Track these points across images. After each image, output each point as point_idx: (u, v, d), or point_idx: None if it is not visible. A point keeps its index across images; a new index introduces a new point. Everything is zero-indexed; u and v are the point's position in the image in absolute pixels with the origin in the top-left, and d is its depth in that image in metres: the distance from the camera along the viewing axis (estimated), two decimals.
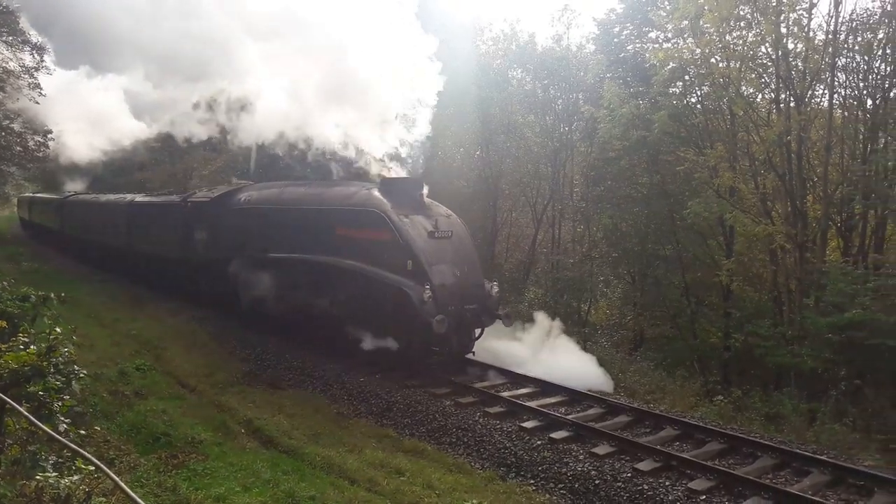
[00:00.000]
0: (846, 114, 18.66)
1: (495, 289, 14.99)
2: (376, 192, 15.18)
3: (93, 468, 5.63)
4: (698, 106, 21.97)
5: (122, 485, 4.50)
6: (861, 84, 18.06)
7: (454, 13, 32.90)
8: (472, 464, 10.67)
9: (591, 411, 12.35)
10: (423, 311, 13.17)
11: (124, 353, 15.38)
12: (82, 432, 7.51)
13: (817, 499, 8.87)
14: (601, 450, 10.54)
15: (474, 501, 8.88)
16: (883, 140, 17.74)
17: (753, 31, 19.24)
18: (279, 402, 13.23)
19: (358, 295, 14.61)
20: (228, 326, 19.11)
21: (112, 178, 38.42)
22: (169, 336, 17.85)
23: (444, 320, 13.12)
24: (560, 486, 9.85)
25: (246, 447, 10.62)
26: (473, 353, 14.70)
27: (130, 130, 27.67)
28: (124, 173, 38.01)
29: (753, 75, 19.86)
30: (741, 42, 19.56)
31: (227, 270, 18.93)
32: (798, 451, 10.48)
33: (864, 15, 17.77)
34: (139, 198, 26.74)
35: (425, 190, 15.61)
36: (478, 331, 14.69)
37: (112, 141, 28.54)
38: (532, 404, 12.42)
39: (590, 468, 10.05)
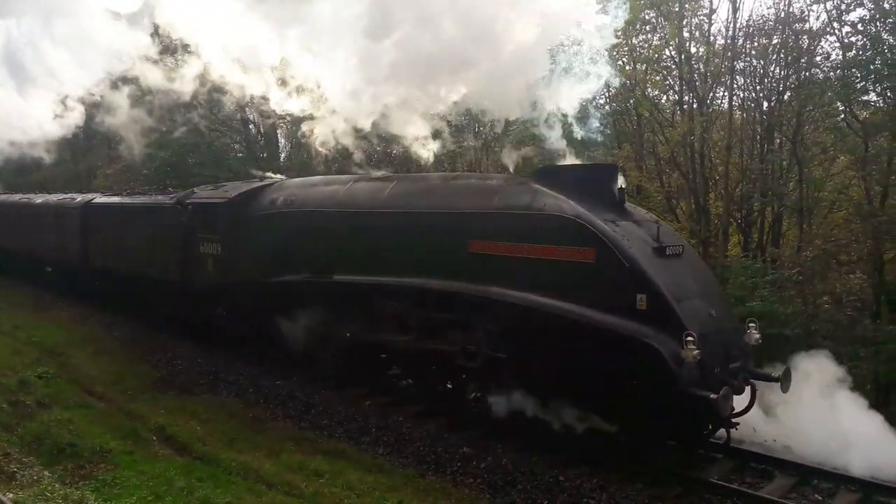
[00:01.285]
0: (745, 115, 19.63)
1: (755, 334, 9.96)
2: (541, 187, 10.29)
3: None
4: (606, 107, 22.61)
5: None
6: (758, 87, 19.02)
7: None
8: (392, 462, 10.69)
9: None
10: (683, 378, 8.34)
11: (25, 362, 14.70)
12: None
13: (723, 483, 9.30)
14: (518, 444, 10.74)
15: (394, 500, 8.91)
16: (778, 140, 18.72)
17: (658, 35, 19.99)
18: (192, 408, 12.88)
19: (539, 347, 9.79)
20: (137, 332, 18.48)
21: (10, 179, 36.47)
22: (75, 343, 17.14)
23: (730, 394, 8.68)
24: (479, 480, 9.97)
25: (158, 455, 10.31)
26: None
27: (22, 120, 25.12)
28: (22, 173, 36.21)
29: (658, 78, 20.61)
30: (647, 45, 20.28)
31: (257, 300, 14.52)
32: None
33: (760, 21, 18.76)
34: (100, 199, 21.53)
35: (622, 181, 10.48)
36: (738, 400, 9.40)
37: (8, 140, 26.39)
38: None
39: (507, 462, 10.22)
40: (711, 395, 8.28)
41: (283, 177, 17.00)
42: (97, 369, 15.11)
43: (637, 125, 21.17)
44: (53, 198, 24.83)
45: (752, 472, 9.91)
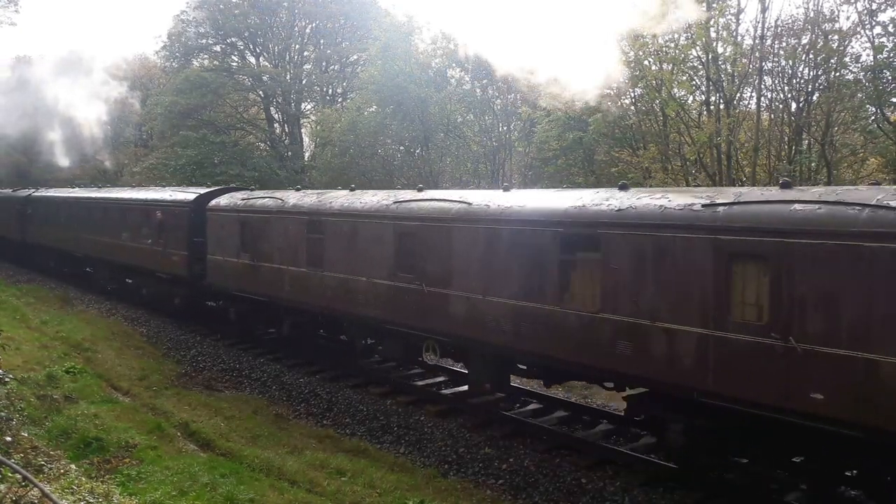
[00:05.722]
0: (772, 116, 19.35)
1: None
2: None
3: (20, 477, 5.45)
4: (632, 107, 22.43)
5: (49, 493, 4.38)
6: (786, 88, 18.75)
7: (390, 11, 32.69)
8: (414, 462, 10.69)
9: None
10: None
11: (53, 356, 14.88)
12: (8, 439, 7.26)
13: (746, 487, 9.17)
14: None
15: (416, 499, 8.91)
16: (806, 142, 18.46)
17: (685, 35, 19.77)
18: (216, 405, 12.99)
19: None
20: (162, 327, 18.67)
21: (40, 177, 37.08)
22: (101, 338, 17.34)
23: None
24: (500, 481, 9.94)
25: (182, 450, 10.41)
26: None
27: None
28: (51, 170, 36.82)
29: (685, 78, 20.39)
30: (673, 45, 20.07)
31: None
32: None
33: (789, 21, 18.50)
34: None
35: None
36: None
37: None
38: None
39: (529, 463, 10.19)
40: None
41: None
42: (123, 364, 15.28)
43: (663, 125, 20.97)
44: (482, 196, 11.43)
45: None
